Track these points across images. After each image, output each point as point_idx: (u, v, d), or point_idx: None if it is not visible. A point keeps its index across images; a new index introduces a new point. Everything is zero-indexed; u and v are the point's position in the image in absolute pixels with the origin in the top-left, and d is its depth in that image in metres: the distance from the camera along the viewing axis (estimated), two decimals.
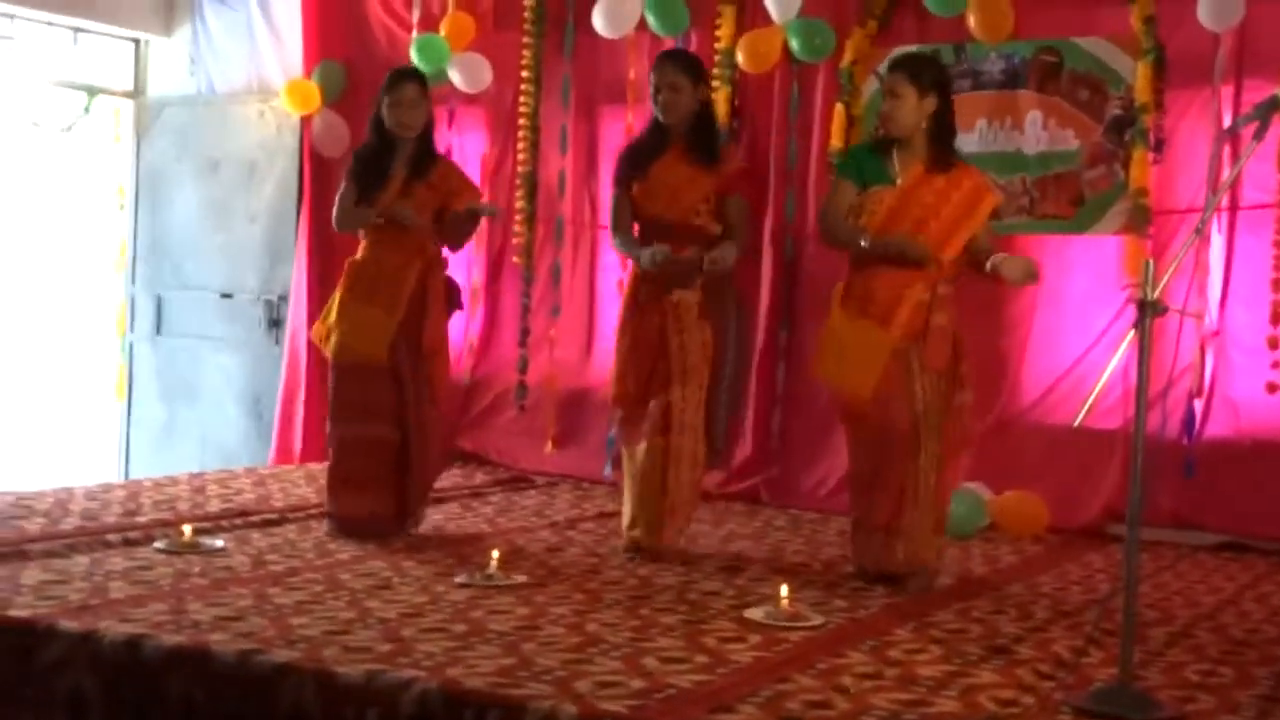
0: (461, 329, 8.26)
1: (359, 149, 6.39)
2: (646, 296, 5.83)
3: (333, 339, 6.13)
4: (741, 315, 5.92)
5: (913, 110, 5.29)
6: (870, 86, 7.35)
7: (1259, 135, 3.98)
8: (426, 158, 6.17)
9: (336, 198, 6.24)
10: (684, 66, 5.81)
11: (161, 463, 9.07)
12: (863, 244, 5.26)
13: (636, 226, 5.91)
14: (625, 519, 5.89)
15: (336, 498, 6.12)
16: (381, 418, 6.08)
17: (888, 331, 5.22)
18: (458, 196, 6.17)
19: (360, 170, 6.16)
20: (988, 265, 5.26)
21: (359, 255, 6.17)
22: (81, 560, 5.28)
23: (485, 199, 8.34)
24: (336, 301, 6.18)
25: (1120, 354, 4.38)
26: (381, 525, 6.05)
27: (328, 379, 6.29)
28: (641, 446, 5.78)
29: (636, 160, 5.87)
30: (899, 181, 5.32)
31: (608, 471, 7.79)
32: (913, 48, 6.90)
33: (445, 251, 6.30)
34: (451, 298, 6.29)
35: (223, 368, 9.20)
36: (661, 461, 5.72)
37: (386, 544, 5.88)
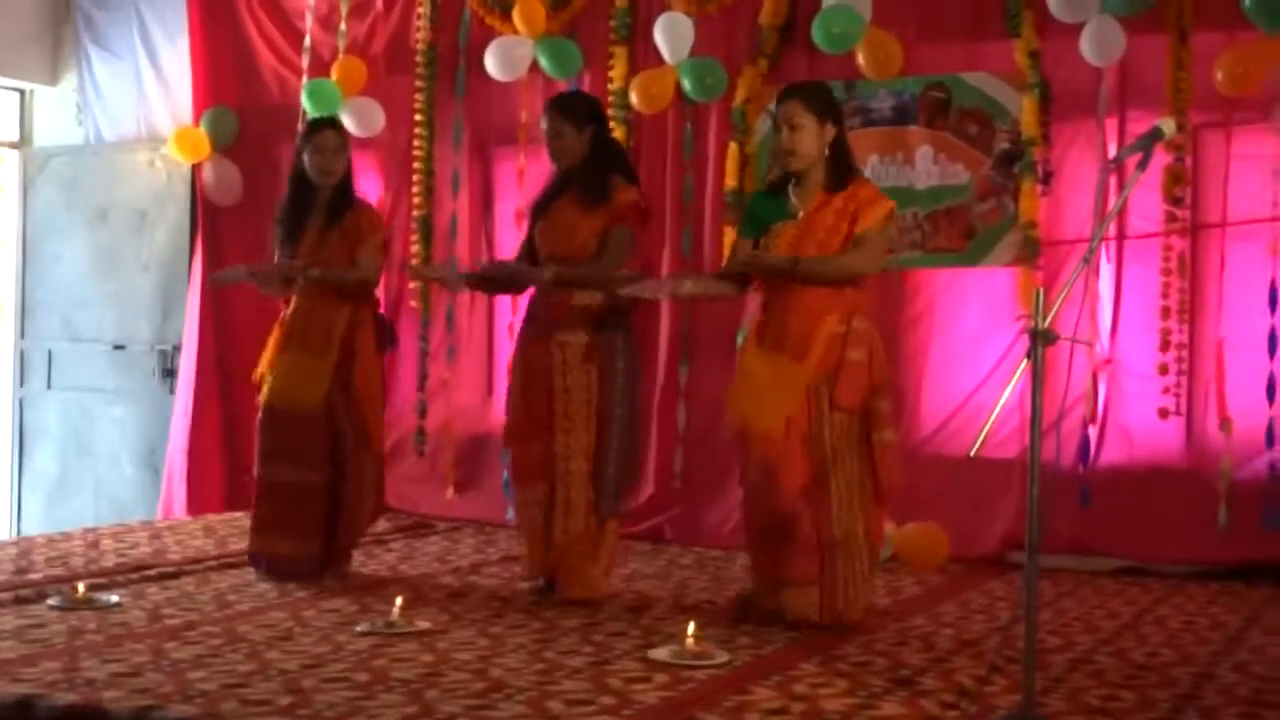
0: None
1: (278, 204, 6.50)
2: (534, 335, 5.80)
3: (264, 386, 6.22)
4: (632, 358, 5.84)
5: (814, 139, 5.25)
6: (763, 125, 7.39)
7: (1143, 165, 4.05)
8: (342, 204, 6.24)
9: None
10: (566, 113, 5.79)
11: (55, 518, 8.92)
12: (734, 269, 5.30)
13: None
14: (526, 565, 5.91)
15: (258, 537, 6.18)
16: (311, 463, 6.11)
17: (803, 366, 5.17)
18: (362, 240, 6.20)
19: (280, 223, 6.32)
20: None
21: (290, 306, 6.29)
22: None
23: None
24: (270, 350, 6.29)
25: (1014, 383, 4.44)
26: (303, 567, 6.10)
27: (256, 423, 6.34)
28: (531, 490, 5.78)
29: (540, 204, 5.91)
30: (800, 214, 5.30)
31: (510, 515, 7.74)
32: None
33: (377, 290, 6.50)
34: (383, 337, 6.40)
35: (116, 420, 9.05)
36: (547, 509, 5.70)
37: (288, 593, 5.82)
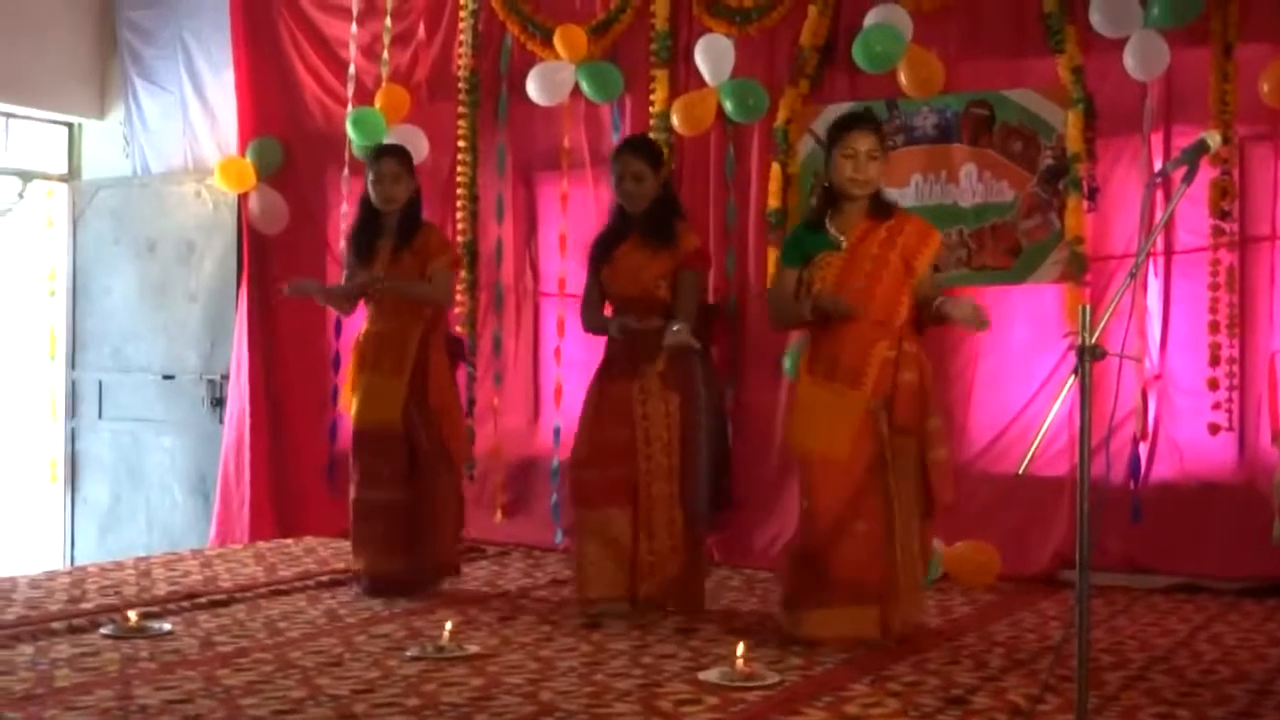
0: None
1: (349, 228, 6.86)
2: (616, 374, 6.00)
3: (353, 408, 6.52)
4: (711, 380, 6.09)
5: (882, 172, 5.42)
6: (806, 145, 7.39)
7: (1188, 179, 4.02)
8: (411, 226, 6.47)
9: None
10: (646, 156, 6.06)
11: (107, 548, 8.98)
12: (806, 314, 5.35)
13: (610, 306, 6.13)
14: (583, 585, 5.97)
15: (358, 557, 6.50)
16: (393, 482, 6.38)
17: (859, 392, 5.25)
18: (432, 258, 6.46)
19: (350, 248, 6.60)
20: (934, 307, 5.30)
21: (364, 327, 6.55)
22: (26, 650, 5.21)
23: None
24: (351, 374, 6.58)
25: (1062, 400, 4.40)
26: (401, 584, 6.37)
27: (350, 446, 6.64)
28: (602, 514, 5.91)
29: (604, 247, 6.14)
30: (844, 243, 5.36)
31: (560, 539, 7.77)
32: (851, 104, 6.97)
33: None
34: (454, 353, 6.67)
35: (166, 449, 9.11)
36: (631, 532, 5.87)
37: (338, 619, 5.85)
